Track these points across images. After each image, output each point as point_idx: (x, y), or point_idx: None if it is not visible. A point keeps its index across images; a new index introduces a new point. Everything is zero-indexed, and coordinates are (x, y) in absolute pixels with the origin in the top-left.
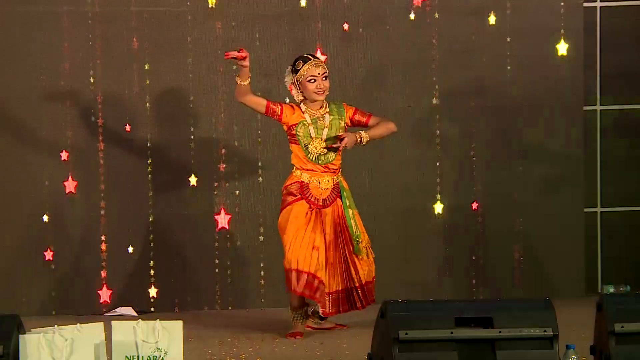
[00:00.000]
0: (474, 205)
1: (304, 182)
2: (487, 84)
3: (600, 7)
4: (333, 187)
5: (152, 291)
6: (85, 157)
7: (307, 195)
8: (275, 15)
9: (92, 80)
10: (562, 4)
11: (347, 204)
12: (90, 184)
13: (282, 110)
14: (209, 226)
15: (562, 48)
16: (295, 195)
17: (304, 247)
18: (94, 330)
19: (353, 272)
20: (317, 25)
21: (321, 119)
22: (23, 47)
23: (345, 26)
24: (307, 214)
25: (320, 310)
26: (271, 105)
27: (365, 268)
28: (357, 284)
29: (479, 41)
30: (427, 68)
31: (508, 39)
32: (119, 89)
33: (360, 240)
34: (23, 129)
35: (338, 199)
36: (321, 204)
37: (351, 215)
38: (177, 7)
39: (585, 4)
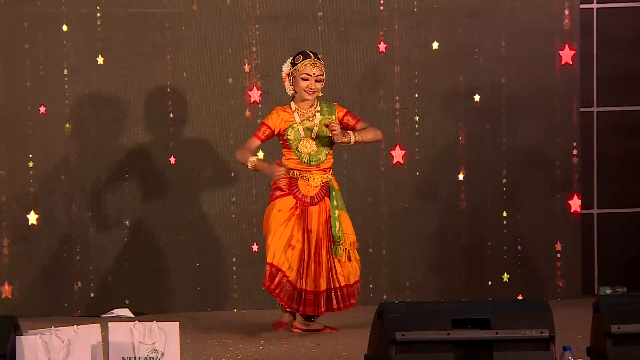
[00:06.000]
0: (471, 206)
1: (293, 177)
2: (483, 85)
3: (597, 8)
4: (322, 185)
5: (148, 292)
6: (85, 157)
7: (295, 191)
8: (273, 16)
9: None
10: (559, 5)
11: (335, 204)
12: (95, 181)
13: (270, 126)
14: (207, 228)
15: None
16: (283, 191)
17: (281, 243)
18: (90, 332)
19: (334, 273)
20: (315, 26)
21: (311, 118)
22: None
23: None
24: (291, 209)
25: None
26: (260, 134)
27: (345, 271)
28: (337, 285)
29: (476, 42)
30: (423, 70)
31: (504, 41)
32: (121, 89)
33: (341, 242)
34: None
35: (327, 198)
36: (308, 201)
37: (337, 215)
38: (175, 8)
39: (582, 6)
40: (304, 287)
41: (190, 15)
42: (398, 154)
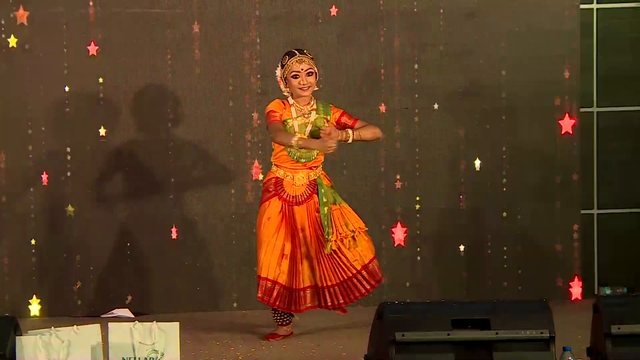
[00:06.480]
0: (471, 207)
1: (278, 177)
2: (483, 85)
3: (597, 9)
4: (309, 183)
5: (148, 292)
6: (86, 158)
7: (280, 191)
8: (273, 16)
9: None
10: (559, 5)
11: (324, 200)
12: (96, 181)
13: (277, 110)
14: (206, 228)
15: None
16: (270, 192)
17: (275, 256)
18: (90, 332)
19: (344, 263)
20: (314, 26)
21: (306, 115)
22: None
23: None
24: (279, 213)
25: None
26: (277, 118)
27: (357, 255)
28: (354, 272)
29: (476, 43)
30: (423, 70)
31: (504, 41)
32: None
33: (330, 239)
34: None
35: (315, 195)
36: (293, 201)
37: (326, 212)
38: (175, 8)
39: (582, 6)
40: (300, 287)
41: (190, 16)
42: (399, 232)
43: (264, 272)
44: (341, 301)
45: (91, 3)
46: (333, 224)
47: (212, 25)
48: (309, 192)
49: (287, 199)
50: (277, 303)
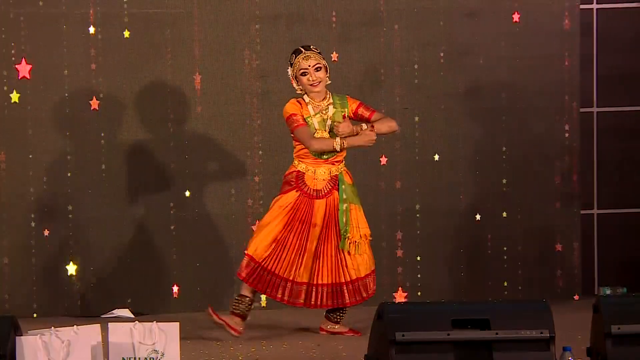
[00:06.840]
0: (470, 207)
1: (300, 171)
2: (483, 85)
3: (597, 9)
4: (330, 178)
5: (148, 292)
6: (87, 157)
7: (301, 185)
8: (273, 16)
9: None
10: (559, 5)
11: (344, 197)
12: (96, 181)
13: (298, 113)
14: (207, 228)
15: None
16: (291, 185)
17: (268, 238)
18: (90, 332)
19: (343, 267)
20: (315, 26)
21: (324, 111)
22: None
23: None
24: (290, 204)
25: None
26: (302, 122)
27: (355, 264)
28: (347, 279)
29: (475, 43)
30: (424, 70)
31: (504, 41)
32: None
33: (348, 236)
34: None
35: (336, 192)
36: (314, 194)
37: (344, 208)
38: (175, 8)
39: (582, 6)
40: (296, 279)
41: (190, 16)
42: (400, 296)
43: (250, 250)
44: (328, 303)
45: (91, 3)
46: (350, 222)
47: (212, 25)
48: (330, 187)
49: (308, 192)
50: (250, 280)
